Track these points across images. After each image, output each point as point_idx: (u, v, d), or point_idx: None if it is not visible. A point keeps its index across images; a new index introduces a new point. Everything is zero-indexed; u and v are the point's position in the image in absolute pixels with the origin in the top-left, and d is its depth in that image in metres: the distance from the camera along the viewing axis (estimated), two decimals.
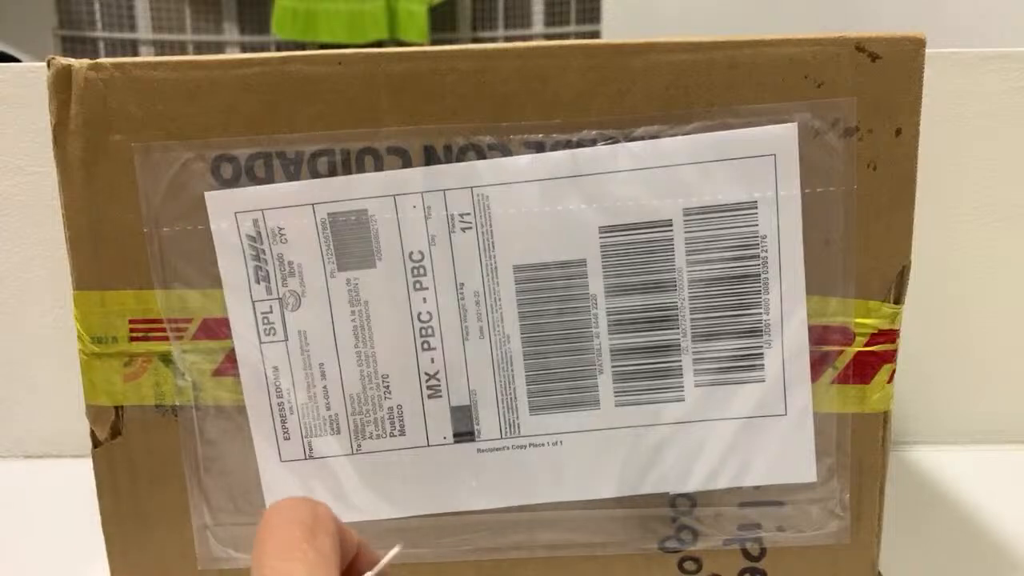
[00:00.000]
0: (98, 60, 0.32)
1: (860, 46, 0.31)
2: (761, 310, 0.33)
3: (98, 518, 0.35)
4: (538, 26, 1.79)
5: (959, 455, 0.52)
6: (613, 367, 0.33)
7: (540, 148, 0.32)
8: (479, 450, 0.34)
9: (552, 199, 0.32)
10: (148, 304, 0.33)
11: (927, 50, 0.31)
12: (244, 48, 1.80)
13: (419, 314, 0.33)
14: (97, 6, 1.76)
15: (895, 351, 0.33)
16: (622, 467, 0.34)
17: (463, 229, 0.32)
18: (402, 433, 0.34)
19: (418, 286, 0.33)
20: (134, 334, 0.33)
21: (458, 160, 0.32)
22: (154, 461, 0.35)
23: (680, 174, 0.32)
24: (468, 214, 0.32)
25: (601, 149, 0.32)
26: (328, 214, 0.32)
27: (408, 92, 0.31)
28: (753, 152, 0.32)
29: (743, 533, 0.35)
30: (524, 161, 0.32)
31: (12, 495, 0.50)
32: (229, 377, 0.34)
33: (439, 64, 0.31)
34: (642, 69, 0.31)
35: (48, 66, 0.31)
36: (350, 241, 0.32)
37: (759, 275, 0.32)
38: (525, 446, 0.34)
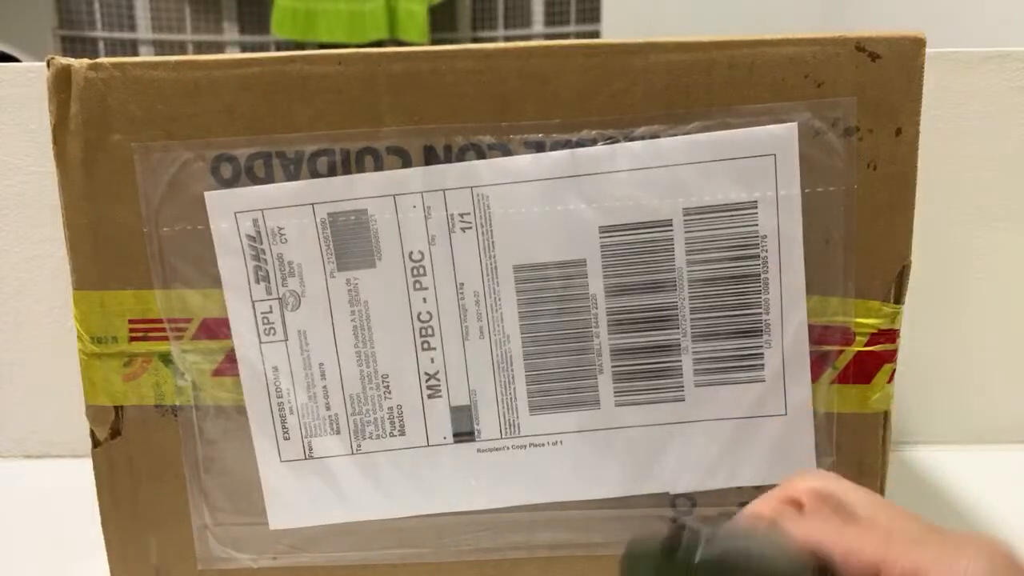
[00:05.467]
0: (98, 60, 0.32)
1: (860, 46, 0.31)
2: (761, 310, 0.33)
3: (98, 518, 0.35)
4: (538, 26, 1.79)
5: (959, 455, 0.52)
6: (613, 367, 0.33)
7: (540, 148, 0.32)
8: (479, 450, 0.34)
9: (552, 199, 0.32)
10: (148, 304, 0.33)
11: (927, 50, 0.31)
12: (244, 48, 1.80)
13: (419, 314, 0.33)
14: (97, 6, 1.76)
15: (895, 351, 0.33)
16: (622, 467, 0.34)
17: (463, 229, 0.32)
18: (402, 433, 0.34)
19: (418, 286, 0.33)
20: (134, 334, 0.33)
21: (458, 160, 0.32)
22: (154, 461, 0.35)
23: (680, 174, 0.32)
24: (468, 214, 0.32)
25: (601, 149, 0.32)
26: (328, 214, 0.32)
27: (408, 92, 0.31)
28: (753, 152, 0.32)
29: None
30: (524, 161, 0.32)
31: (12, 495, 0.50)
32: (229, 377, 0.34)
33: (439, 64, 0.31)
34: (642, 69, 0.31)
35: (48, 66, 0.31)
36: (350, 241, 0.32)
37: (759, 275, 0.32)
38: (525, 446, 0.34)
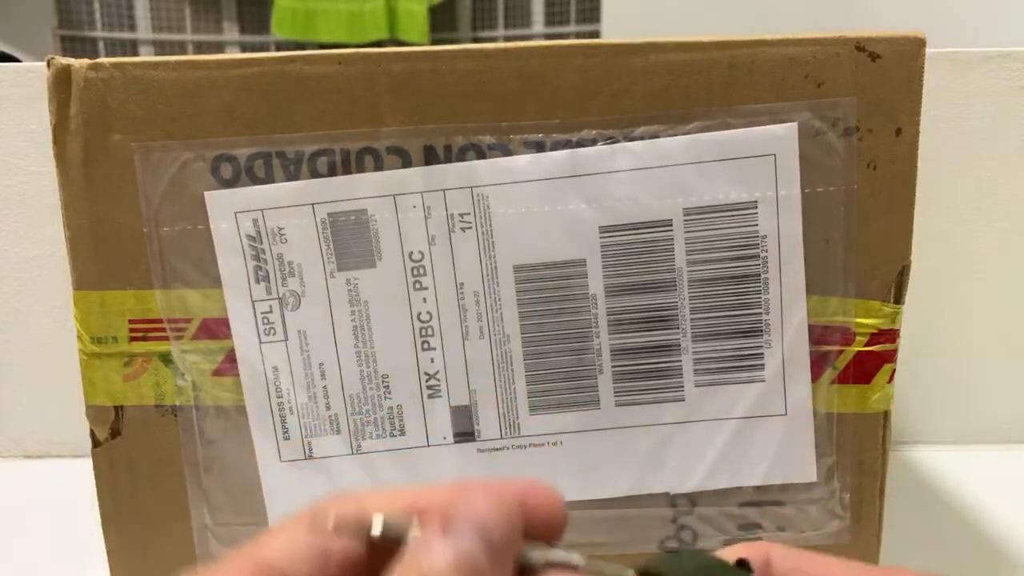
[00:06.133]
0: (98, 60, 0.32)
1: (860, 46, 0.31)
2: (761, 310, 0.33)
3: (98, 518, 0.35)
4: (538, 26, 1.79)
5: (959, 455, 0.52)
6: (613, 367, 0.33)
7: (540, 148, 0.32)
8: (479, 450, 0.34)
9: (552, 199, 0.32)
10: (148, 304, 0.33)
11: (927, 50, 0.31)
12: (244, 48, 1.80)
13: (419, 314, 0.33)
14: (97, 6, 1.76)
15: (895, 351, 0.33)
16: (622, 467, 0.34)
17: (463, 229, 0.32)
18: (402, 433, 0.34)
19: (418, 286, 0.33)
20: (134, 334, 0.33)
21: (458, 160, 0.32)
22: (154, 461, 0.35)
23: (680, 174, 0.32)
24: (468, 214, 0.32)
25: (601, 149, 0.32)
26: (328, 214, 0.32)
27: (408, 92, 0.31)
28: (753, 152, 0.32)
29: (743, 533, 0.35)
30: (524, 161, 0.32)
31: (12, 495, 0.50)
32: (229, 377, 0.34)
33: (439, 64, 0.31)
34: (642, 69, 0.31)
35: (48, 66, 0.31)
36: (350, 241, 0.32)
37: (759, 275, 0.32)
38: (525, 446, 0.34)
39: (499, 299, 0.33)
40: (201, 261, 0.33)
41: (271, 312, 0.33)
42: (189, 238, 0.33)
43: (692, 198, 0.32)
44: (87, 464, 0.35)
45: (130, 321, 0.33)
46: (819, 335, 0.33)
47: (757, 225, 0.32)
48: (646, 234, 0.32)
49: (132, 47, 1.78)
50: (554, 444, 0.34)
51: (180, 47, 1.79)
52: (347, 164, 0.32)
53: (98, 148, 0.32)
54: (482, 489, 0.18)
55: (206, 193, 0.32)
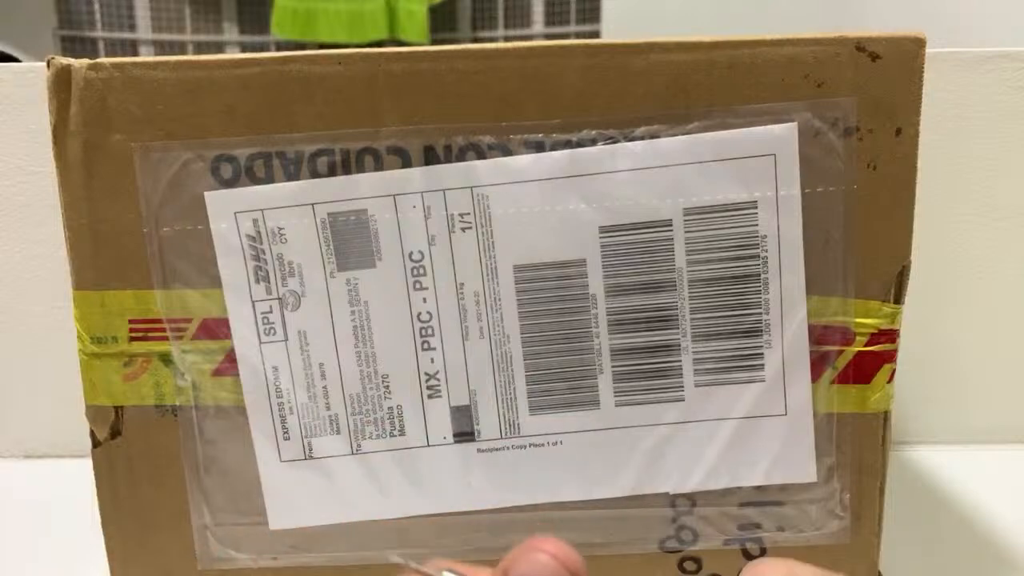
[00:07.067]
0: (98, 60, 0.32)
1: (860, 46, 0.31)
2: (761, 310, 0.33)
3: (98, 518, 0.35)
4: (538, 26, 1.79)
5: (959, 455, 0.52)
6: (613, 367, 0.33)
7: (540, 148, 0.32)
8: (479, 450, 0.34)
9: (552, 199, 0.32)
10: (148, 304, 0.33)
11: (927, 50, 0.31)
12: (244, 48, 1.79)
13: (419, 314, 0.33)
14: (97, 6, 1.76)
15: (895, 351, 0.33)
16: (622, 467, 0.34)
17: (463, 229, 0.32)
18: (402, 433, 0.34)
19: (418, 286, 0.33)
20: (134, 334, 0.33)
21: (458, 160, 0.32)
22: (154, 461, 0.35)
23: (680, 174, 0.32)
24: (468, 214, 0.32)
25: (601, 149, 0.32)
26: (328, 214, 0.32)
27: (408, 92, 0.31)
28: (753, 152, 0.32)
29: (743, 533, 0.35)
30: (524, 161, 0.32)
31: (12, 495, 0.50)
32: (229, 377, 0.34)
33: (439, 64, 0.31)
34: (642, 69, 0.31)
35: (48, 66, 0.31)
36: (350, 241, 0.32)
37: (759, 275, 0.32)
38: (525, 446, 0.34)
39: (499, 299, 0.33)
40: (201, 261, 0.33)
41: (271, 312, 0.33)
42: (189, 238, 0.33)
43: (692, 198, 0.32)
44: (87, 464, 0.35)
45: (130, 321, 0.33)
46: (819, 335, 0.33)
47: (757, 225, 0.32)
48: (646, 234, 0.32)
49: (132, 47, 1.78)
50: (554, 444, 0.34)
51: (180, 47, 1.79)
52: (347, 164, 0.32)
53: (98, 148, 0.32)
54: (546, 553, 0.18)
55: (206, 193, 0.32)
